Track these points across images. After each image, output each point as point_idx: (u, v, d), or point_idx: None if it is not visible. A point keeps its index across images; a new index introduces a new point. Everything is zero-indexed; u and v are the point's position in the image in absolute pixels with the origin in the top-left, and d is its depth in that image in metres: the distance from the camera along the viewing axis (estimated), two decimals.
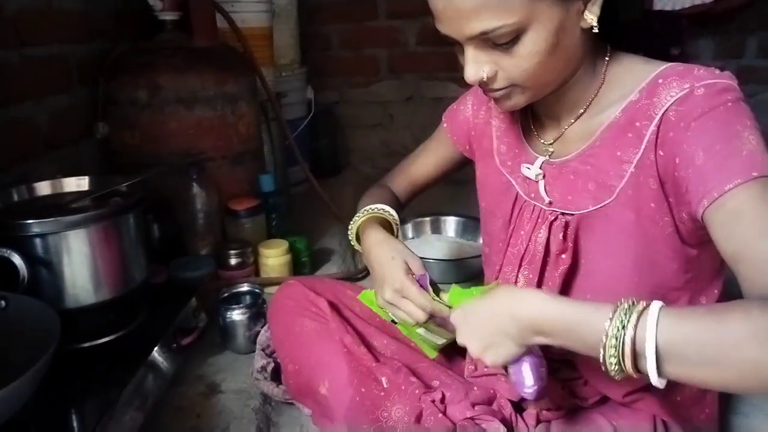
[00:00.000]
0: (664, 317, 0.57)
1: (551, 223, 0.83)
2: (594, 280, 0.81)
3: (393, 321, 0.95)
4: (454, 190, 2.38)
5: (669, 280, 0.77)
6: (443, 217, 1.98)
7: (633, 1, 2.54)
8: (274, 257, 1.56)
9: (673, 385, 0.84)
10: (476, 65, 0.73)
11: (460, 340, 0.75)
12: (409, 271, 0.88)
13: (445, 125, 1.09)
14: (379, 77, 2.90)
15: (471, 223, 1.92)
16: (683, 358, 0.56)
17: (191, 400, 1.19)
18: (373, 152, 2.96)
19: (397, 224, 1.02)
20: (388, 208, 1.02)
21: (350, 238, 1.04)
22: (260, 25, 2.04)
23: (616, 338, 0.58)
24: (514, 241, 0.90)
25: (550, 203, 0.85)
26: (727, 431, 1.10)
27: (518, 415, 0.87)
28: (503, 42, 0.70)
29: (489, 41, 0.71)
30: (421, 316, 0.85)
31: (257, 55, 1.89)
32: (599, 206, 0.79)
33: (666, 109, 0.70)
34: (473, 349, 0.73)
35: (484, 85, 0.76)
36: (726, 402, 1.14)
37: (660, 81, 0.73)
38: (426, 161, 1.14)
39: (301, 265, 1.64)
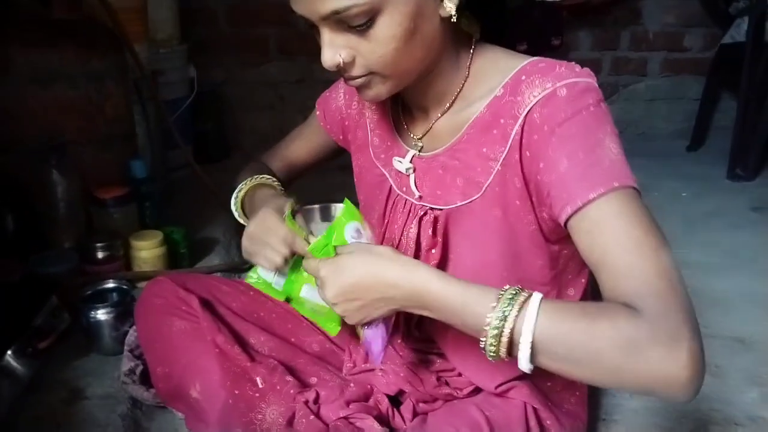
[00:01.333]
0: (543, 313, 0.59)
1: (421, 218, 0.83)
2: (462, 275, 0.81)
3: (287, 300, 0.89)
4: (344, 177, 2.35)
5: (535, 276, 0.79)
6: (333, 205, 1.94)
7: None
8: (146, 249, 1.45)
9: (543, 373, 0.87)
10: (332, 49, 0.70)
11: (325, 295, 0.72)
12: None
13: (317, 113, 1.06)
14: (269, 57, 2.80)
15: None
16: (554, 354, 0.59)
17: (51, 408, 1.10)
18: (264, 136, 2.86)
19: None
20: (272, 178, 1.00)
21: (234, 209, 1.00)
22: None
23: (497, 329, 0.60)
24: (388, 235, 0.89)
25: (420, 197, 0.84)
26: (597, 411, 1.16)
27: (395, 410, 0.87)
28: (358, 24, 0.67)
29: (344, 23, 0.68)
30: (283, 250, 0.80)
31: (129, 29, 1.75)
32: (467, 202, 0.79)
33: (530, 109, 0.70)
34: (341, 307, 0.71)
35: (343, 71, 0.73)
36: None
37: (523, 78, 0.73)
38: (301, 147, 1.11)
39: (179, 257, 1.55)
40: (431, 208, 0.82)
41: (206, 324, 0.96)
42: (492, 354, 0.61)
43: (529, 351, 0.59)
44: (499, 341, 0.60)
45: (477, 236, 0.79)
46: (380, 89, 0.75)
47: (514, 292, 0.61)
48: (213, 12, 2.69)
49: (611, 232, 0.63)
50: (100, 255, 1.41)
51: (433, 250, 0.81)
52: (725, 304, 1.54)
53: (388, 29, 0.68)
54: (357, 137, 0.98)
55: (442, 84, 0.79)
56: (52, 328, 1.18)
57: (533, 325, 0.58)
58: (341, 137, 1.03)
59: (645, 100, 3.03)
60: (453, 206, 0.80)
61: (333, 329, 0.88)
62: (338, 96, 1.01)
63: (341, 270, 0.70)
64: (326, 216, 1.94)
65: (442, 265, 0.82)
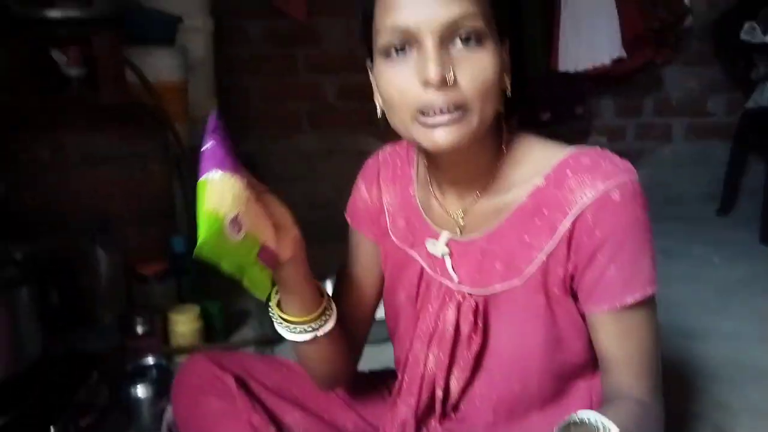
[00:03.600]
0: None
1: (460, 303, 0.82)
2: (503, 359, 0.81)
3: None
4: None
5: (574, 357, 0.79)
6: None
7: (538, 61, 2.68)
8: (184, 324, 1.49)
9: None
10: (441, 63, 0.67)
11: None
12: None
13: (348, 220, 1.00)
14: (300, 130, 2.91)
15: None
16: None
17: None
18: (295, 206, 2.91)
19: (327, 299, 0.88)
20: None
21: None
22: (174, 79, 2.00)
23: None
24: (422, 317, 0.87)
25: (459, 282, 0.83)
26: None
27: None
28: (470, 38, 0.68)
29: (454, 37, 0.68)
30: None
31: (171, 109, 1.85)
32: (507, 287, 0.79)
33: (583, 209, 0.73)
34: None
35: (436, 92, 0.68)
36: None
37: (568, 173, 0.74)
38: (352, 266, 0.99)
39: (215, 330, 1.58)
40: (470, 294, 0.82)
41: (242, 404, 0.97)
42: None
43: None
44: None
45: (517, 321, 0.79)
46: (464, 128, 0.70)
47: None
48: (247, 89, 2.82)
49: (637, 340, 0.75)
50: (139, 329, 1.45)
51: (474, 336, 0.81)
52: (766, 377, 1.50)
53: (490, 57, 0.69)
54: (380, 224, 0.95)
55: (479, 160, 0.80)
56: (93, 405, 1.21)
57: None
58: (371, 232, 0.97)
59: (671, 164, 3.05)
60: (492, 292, 0.80)
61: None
62: (360, 194, 0.98)
63: None
64: None
65: (481, 351, 0.82)
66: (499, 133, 0.81)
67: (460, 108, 0.69)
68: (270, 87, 2.84)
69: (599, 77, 2.68)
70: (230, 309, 1.73)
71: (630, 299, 0.73)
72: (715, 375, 1.52)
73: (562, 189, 0.74)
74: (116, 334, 1.42)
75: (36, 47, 1.62)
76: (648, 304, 0.75)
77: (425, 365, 0.86)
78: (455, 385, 0.84)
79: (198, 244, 0.65)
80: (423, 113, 0.70)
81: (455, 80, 0.68)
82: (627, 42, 2.55)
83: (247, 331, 1.67)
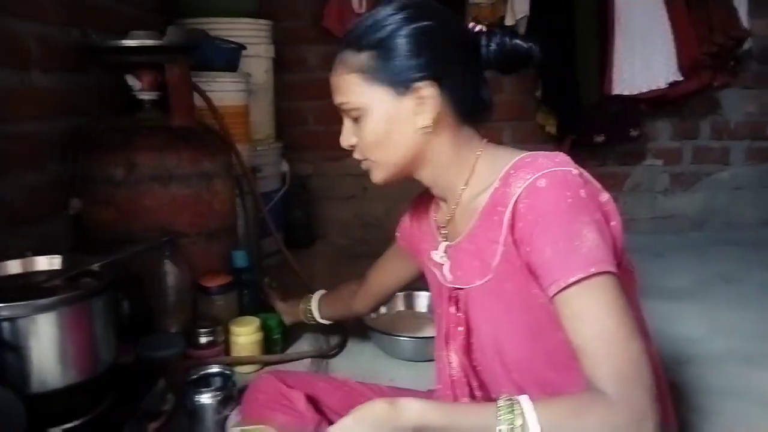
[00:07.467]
0: (539, 411, 0.68)
1: (450, 299, 0.94)
2: (487, 349, 0.90)
3: None
4: None
5: (560, 348, 0.81)
6: (415, 293, 1.99)
7: (592, 86, 2.67)
8: (244, 335, 1.55)
9: None
10: (346, 133, 0.94)
11: None
12: None
13: (397, 234, 1.21)
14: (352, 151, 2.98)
15: None
16: None
17: None
18: (346, 223, 3.01)
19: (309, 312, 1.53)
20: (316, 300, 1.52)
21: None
22: (237, 104, 2.11)
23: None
24: (438, 323, 0.99)
25: (451, 281, 0.95)
26: None
27: None
28: (352, 117, 0.91)
29: (348, 114, 0.91)
30: None
31: (234, 131, 1.94)
32: (484, 281, 0.87)
33: (516, 199, 0.80)
34: None
35: (353, 153, 0.95)
36: None
37: (512, 172, 0.83)
38: (381, 268, 1.34)
39: (273, 342, 1.63)
40: (456, 288, 0.93)
41: (311, 418, 1.03)
42: None
43: None
44: None
45: (494, 311, 0.87)
46: (375, 174, 0.94)
47: (506, 400, 0.69)
48: (303, 113, 2.92)
49: (589, 323, 0.74)
50: (203, 340, 1.51)
51: (460, 328, 0.92)
52: None
53: (367, 126, 0.89)
54: (420, 248, 1.09)
55: (448, 178, 0.93)
56: (160, 411, 1.26)
57: (537, 422, 0.67)
58: (413, 252, 1.16)
59: (730, 188, 2.97)
60: (472, 285, 0.89)
61: None
62: (405, 218, 1.17)
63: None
64: (409, 304, 2.00)
65: (468, 340, 0.92)
66: (464, 152, 0.92)
67: (366, 159, 0.93)
68: (325, 110, 2.93)
69: (655, 100, 2.66)
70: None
71: (571, 278, 0.74)
72: None
73: (507, 186, 0.82)
74: (182, 343, 1.48)
75: (112, 73, 1.74)
76: (597, 285, 0.74)
77: (449, 364, 0.95)
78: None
79: None
80: None
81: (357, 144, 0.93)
82: (683, 66, 2.53)
83: (302, 344, 1.72)
